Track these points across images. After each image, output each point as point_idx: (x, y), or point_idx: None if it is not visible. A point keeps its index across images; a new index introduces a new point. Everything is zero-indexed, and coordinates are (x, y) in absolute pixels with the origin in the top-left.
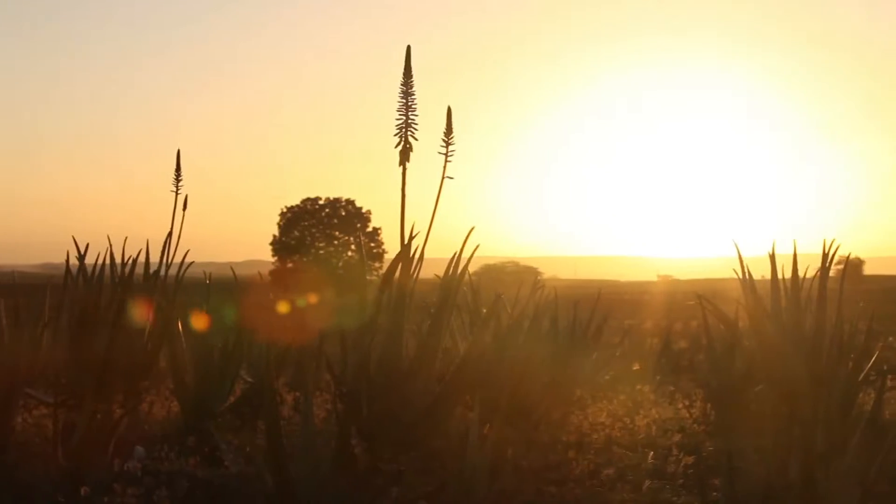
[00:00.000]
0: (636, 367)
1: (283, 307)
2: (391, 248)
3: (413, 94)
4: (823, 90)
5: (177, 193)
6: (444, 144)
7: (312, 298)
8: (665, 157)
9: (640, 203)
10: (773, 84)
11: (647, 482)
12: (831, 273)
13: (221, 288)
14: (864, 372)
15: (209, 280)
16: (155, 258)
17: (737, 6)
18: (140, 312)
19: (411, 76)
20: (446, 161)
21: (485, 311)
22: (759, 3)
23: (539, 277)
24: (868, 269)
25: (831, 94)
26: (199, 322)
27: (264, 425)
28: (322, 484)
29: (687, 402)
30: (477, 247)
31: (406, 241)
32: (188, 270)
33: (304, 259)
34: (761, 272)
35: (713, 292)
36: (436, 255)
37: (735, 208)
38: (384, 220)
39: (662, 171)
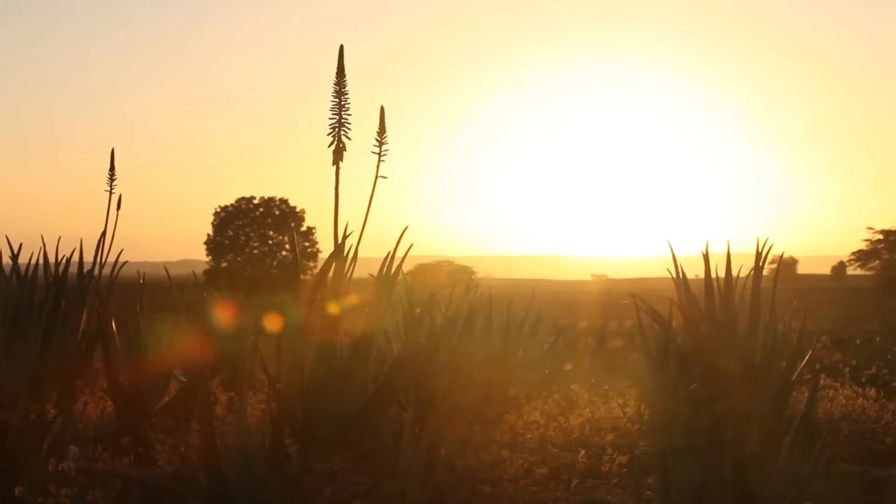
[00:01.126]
0: (568, 366)
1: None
2: (325, 247)
3: (346, 94)
4: (759, 90)
5: (111, 193)
6: (378, 144)
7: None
8: (599, 156)
9: (575, 203)
10: (707, 83)
11: (581, 481)
12: (765, 272)
13: (155, 288)
14: (798, 371)
15: (143, 280)
16: (89, 258)
17: (672, 2)
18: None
19: (344, 76)
20: (380, 160)
21: (419, 310)
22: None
23: (473, 277)
24: (801, 269)
25: (766, 94)
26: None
27: (198, 425)
28: (256, 484)
29: (621, 402)
30: (411, 246)
31: (339, 241)
32: (122, 270)
33: (239, 259)
34: (696, 272)
35: (647, 292)
36: (370, 254)
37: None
38: (318, 220)
39: (597, 170)
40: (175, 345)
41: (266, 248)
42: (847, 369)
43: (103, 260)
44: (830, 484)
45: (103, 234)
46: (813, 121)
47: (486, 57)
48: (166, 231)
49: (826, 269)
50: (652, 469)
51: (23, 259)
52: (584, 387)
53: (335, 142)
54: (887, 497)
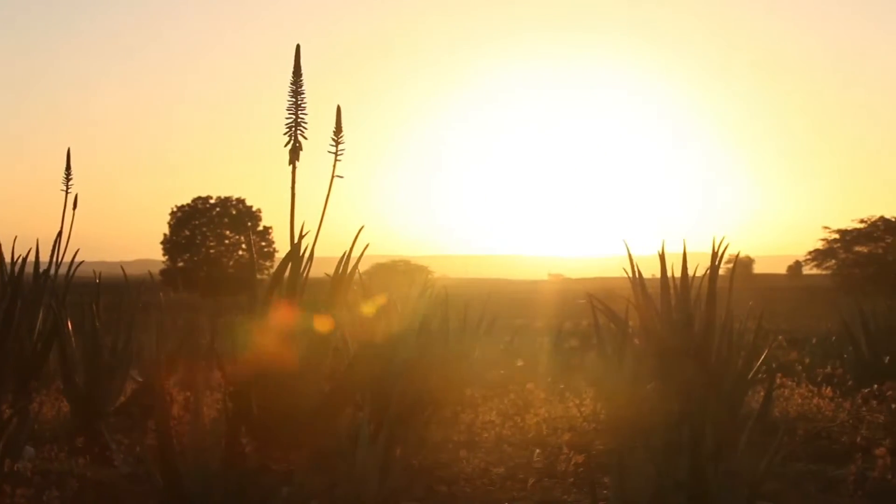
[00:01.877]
0: (520, 362)
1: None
2: (282, 247)
3: (303, 93)
4: (715, 90)
5: (67, 192)
6: (334, 143)
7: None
8: (555, 156)
9: (532, 202)
10: (664, 82)
11: (538, 480)
12: (721, 272)
13: (112, 287)
14: (754, 370)
15: (99, 280)
16: (45, 257)
17: (627, 3)
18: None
19: (301, 75)
20: (336, 160)
21: (375, 310)
22: (653, 1)
23: (429, 276)
24: (758, 268)
25: (722, 94)
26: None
27: (155, 425)
28: (212, 483)
29: (577, 401)
30: (367, 246)
31: (296, 240)
32: (78, 270)
33: (195, 258)
34: (652, 271)
35: (604, 291)
36: (326, 253)
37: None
38: (275, 219)
39: (553, 170)
40: (131, 345)
41: (223, 248)
42: (800, 367)
43: (59, 260)
44: (786, 483)
45: (59, 233)
46: (769, 121)
47: (443, 55)
48: (123, 231)
49: (782, 269)
50: (608, 468)
51: None
52: (540, 386)
53: (291, 141)
54: (843, 496)
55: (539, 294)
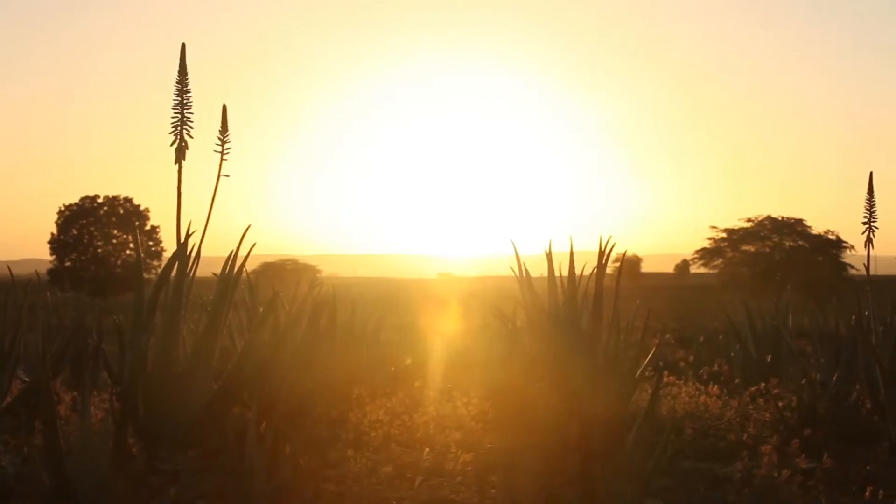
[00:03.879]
0: (408, 361)
1: None
2: (169, 246)
3: (189, 92)
4: (604, 90)
5: None
6: (220, 142)
7: None
8: (444, 155)
9: (420, 201)
10: (554, 82)
11: (426, 479)
12: (608, 270)
13: None
14: (642, 368)
15: None
16: None
17: (518, 2)
18: None
19: (186, 74)
20: (222, 159)
21: (262, 308)
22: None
23: (318, 275)
24: (646, 267)
25: (611, 94)
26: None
27: (41, 425)
28: (100, 483)
29: (465, 400)
30: (254, 245)
31: (182, 240)
32: None
33: (83, 258)
34: (541, 270)
35: (493, 290)
36: (213, 253)
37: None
38: (163, 219)
39: (442, 169)
40: (18, 344)
41: (110, 248)
42: (683, 364)
43: None
44: (674, 480)
45: None
46: (659, 122)
47: (332, 54)
48: (9, 230)
49: (670, 268)
50: (496, 467)
51: None
52: (428, 385)
53: (177, 140)
54: (730, 493)
55: (428, 293)
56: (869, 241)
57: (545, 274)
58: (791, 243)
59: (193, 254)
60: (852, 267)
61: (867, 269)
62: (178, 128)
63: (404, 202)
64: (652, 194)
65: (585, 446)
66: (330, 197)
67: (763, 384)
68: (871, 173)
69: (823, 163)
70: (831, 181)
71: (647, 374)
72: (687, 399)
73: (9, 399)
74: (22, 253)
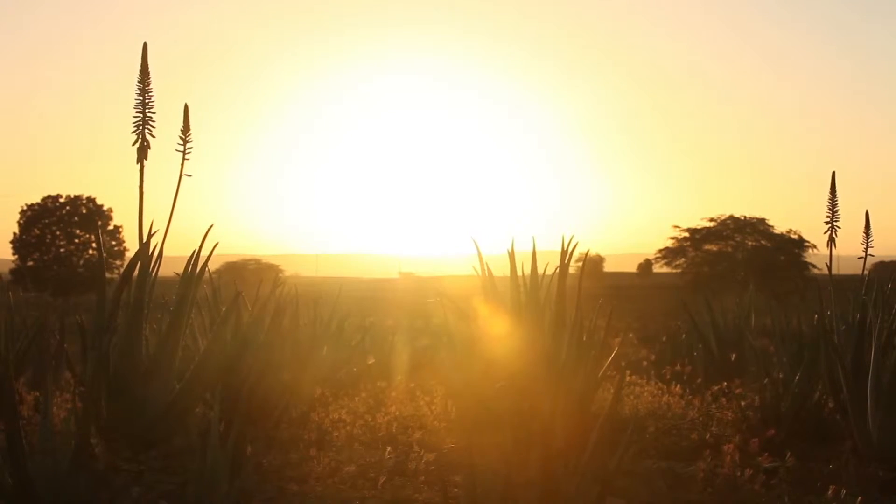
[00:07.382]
0: (371, 361)
1: None
2: (132, 245)
3: (150, 92)
4: (567, 90)
5: None
6: (182, 142)
7: None
8: (407, 155)
9: (382, 201)
10: (515, 82)
11: (389, 479)
12: (571, 270)
13: None
14: (604, 368)
15: None
16: None
17: (479, 2)
18: None
19: (148, 74)
20: (184, 158)
21: (224, 308)
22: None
23: (280, 275)
24: (608, 266)
25: (574, 93)
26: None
27: (3, 425)
28: (62, 483)
29: (428, 399)
30: (216, 244)
31: (144, 239)
32: None
33: (46, 258)
34: (503, 270)
35: (455, 290)
36: (176, 252)
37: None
38: (125, 218)
39: (404, 169)
40: None
41: (73, 248)
42: (645, 363)
43: None
44: (637, 480)
45: None
46: (622, 122)
47: (294, 54)
48: None
49: (633, 267)
50: (459, 467)
51: None
52: (391, 385)
53: (139, 140)
54: (692, 492)
55: (390, 292)
56: (831, 241)
57: (508, 274)
58: (753, 243)
59: (156, 253)
60: (815, 266)
61: (829, 268)
62: (140, 127)
63: (366, 202)
64: (615, 194)
65: (547, 446)
66: (292, 196)
67: (726, 383)
68: (833, 173)
69: (786, 163)
70: (794, 181)
71: (609, 373)
72: (650, 398)
73: None
74: None
